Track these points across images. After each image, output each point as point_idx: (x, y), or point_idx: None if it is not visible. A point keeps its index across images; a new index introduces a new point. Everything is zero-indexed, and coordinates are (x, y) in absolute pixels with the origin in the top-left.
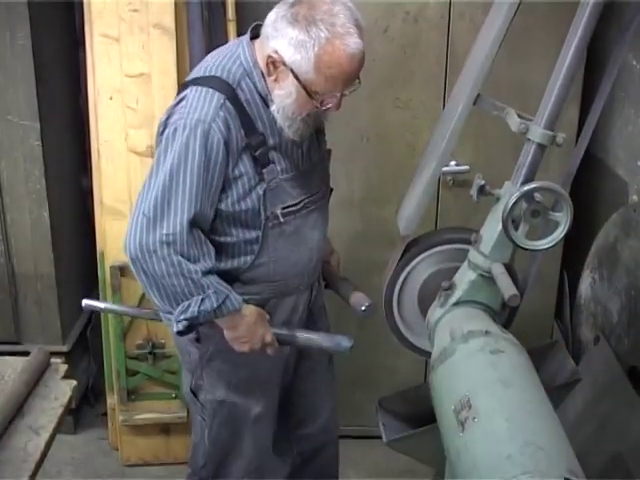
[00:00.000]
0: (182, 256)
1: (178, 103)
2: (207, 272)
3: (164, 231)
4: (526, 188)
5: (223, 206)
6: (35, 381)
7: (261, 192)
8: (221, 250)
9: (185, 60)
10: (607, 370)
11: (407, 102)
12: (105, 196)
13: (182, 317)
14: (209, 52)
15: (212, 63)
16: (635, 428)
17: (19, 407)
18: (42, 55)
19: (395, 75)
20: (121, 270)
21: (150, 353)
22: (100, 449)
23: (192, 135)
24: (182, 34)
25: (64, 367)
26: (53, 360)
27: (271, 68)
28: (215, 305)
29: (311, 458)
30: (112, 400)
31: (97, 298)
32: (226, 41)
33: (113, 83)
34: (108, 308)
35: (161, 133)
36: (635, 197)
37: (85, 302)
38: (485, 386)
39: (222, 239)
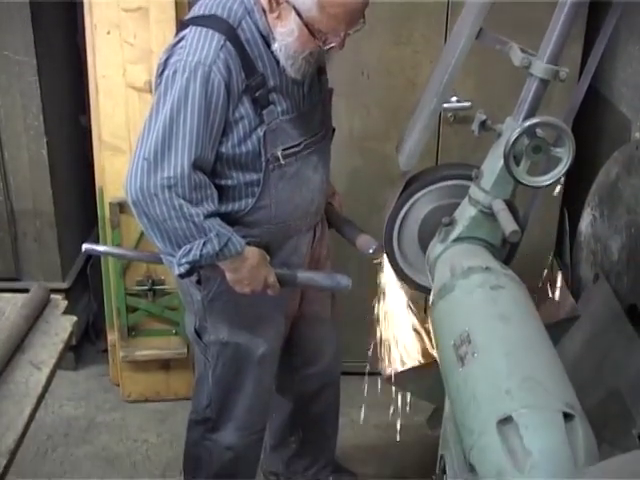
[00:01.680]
0: (184, 199)
1: (177, 43)
2: (209, 215)
3: (165, 174)
4: (528, 123)
5: (223, 149)
6: (35, 317)
7: (261, 134)
8: (222, 193)
9: None
10: (606, 308)
11: (408, 37)
12: (104, 132)
13: (184, 260)
14: None
15: (212, 1)
16: (633, 365)
17: (20, 342)
18: None
19: (396, 9)
20: (120, 206)
21: (150, 290)
22: (101, 385)
23: (192, 78)
24: None
25: (64, 303)
26: (53, 296)
27: (273, 4)
28: (217, 248)
29: (313, 398)
30: (112, 337)
31: (96, 235)
32: None
33: (110, 18)
34: (108, 252)
35: (160, 74)
36: (638, 134)
37: (85, 246)
38: (485, 321)
39: (223, 182)
